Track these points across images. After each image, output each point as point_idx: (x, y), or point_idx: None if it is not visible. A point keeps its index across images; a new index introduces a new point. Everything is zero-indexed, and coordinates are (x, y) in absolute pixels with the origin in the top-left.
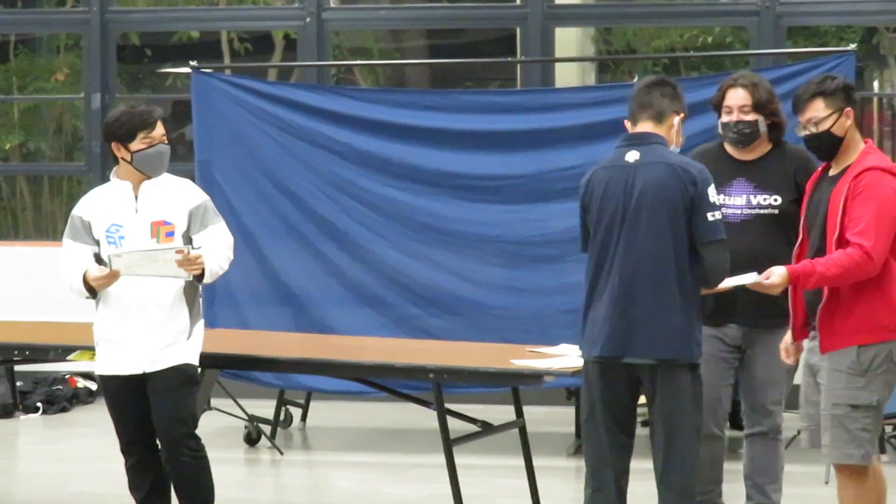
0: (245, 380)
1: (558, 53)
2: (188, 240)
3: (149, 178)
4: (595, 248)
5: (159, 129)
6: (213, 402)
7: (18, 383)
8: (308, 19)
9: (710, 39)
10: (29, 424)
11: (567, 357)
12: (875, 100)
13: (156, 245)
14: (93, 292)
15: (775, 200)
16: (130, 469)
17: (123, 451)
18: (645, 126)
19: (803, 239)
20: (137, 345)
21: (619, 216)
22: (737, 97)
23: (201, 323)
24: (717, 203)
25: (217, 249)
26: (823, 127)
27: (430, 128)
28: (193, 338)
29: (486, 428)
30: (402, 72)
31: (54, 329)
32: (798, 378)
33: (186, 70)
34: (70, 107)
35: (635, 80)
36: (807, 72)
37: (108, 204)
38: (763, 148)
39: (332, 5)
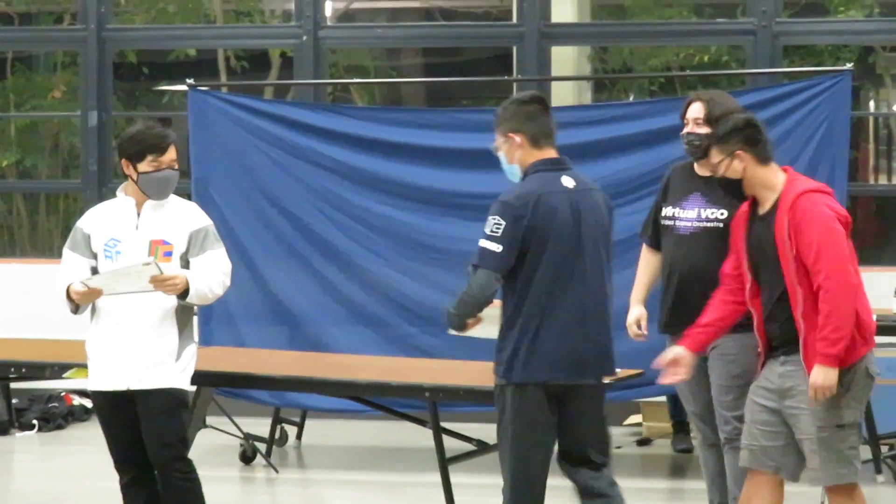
0: (241, 398)
1: (554, 72)
2: (185, 262)
3: (156, 199)
4: (546, 272)
5: (170, 154)
6: (209, 419)
7: (14, 400)
8: (304, 37)
9: (706, 58)
10: (25, 442)
11: None
12: (871, 119)
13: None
14: (76, 306)
15: (721, 214)
16: (124, 487)
17: (117, 468)
18: (552, 151)
19: (752, 284)
20: (123, 361)
21: (572, 243)
22: (693, 110)
23: (193, 347)
24: None
25: (210, 273)
26: (719, 173)
27: (425, 146)
28: (182, 360)
29: (482, 447)
30: (399, 90)
31: (50, 347)
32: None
33: (183, 88)
34: (67, 124)
35: (630, 98)
36: (803, 91)
37: (109, 218)
38: None
39: (328, 24)
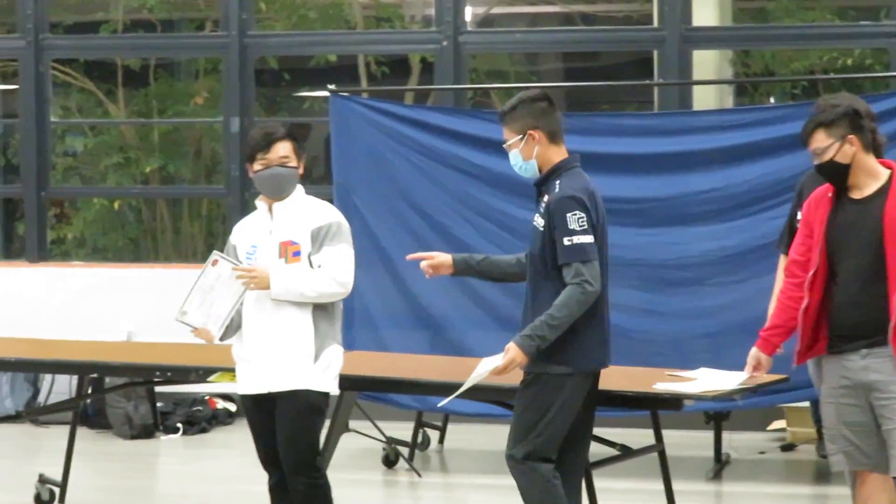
0: (383, 402)
1: (696, 76)
2: (309, 261)
3: (277, 199)
4: (602, 261)
5: (277, 151)
6: (352, 424)
7: (159, 404)
8: (445, 43)
9: (849, 61)
10: (169, 445)
11: (706, 381)
12: None
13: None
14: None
15: None
16: (271, 490)
17: (265, 468)
18: (564, 146)
19: (820, 268)
20: (261, 364)
21: (606, 235)
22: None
23: (334, 348)
24: None
25: (315, 272)
26: (826, 157)
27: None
28: (321, 362)
29: (626, 452)
30: None
31: (195, 350)
32: None
33: (324, 94)
34: (209, 130)
35: (772, 102)
36: None
37: (250, 227)
38: None
39: (468, 29)
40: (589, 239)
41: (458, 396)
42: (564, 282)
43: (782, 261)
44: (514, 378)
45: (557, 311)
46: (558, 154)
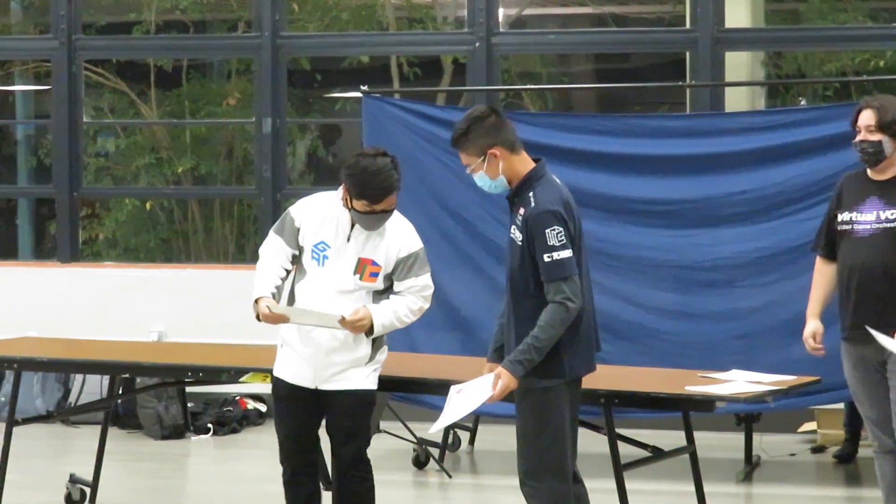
0: (414, 403)
1: (728, 77)
2: (389, 282)
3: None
4: (581, 268)
5: (386, 203)
6: (383, 424)
7: (189, 404)
8: (477, 44)
9: (882, 63)
10: (200, 445)
11: (738, 382)
12: None
13: (333, 301)
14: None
15: None
16: (286, 484)
17: (282, 460)
18: (525, 153)
19: None
20: (316, 361)
21: (581, 239)
22: (864, 117)
23: (385, 349)
24: None
25: (402, 301)
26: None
27: (599, 152)
28: (374, 363)
29: (657, 453)
30: (570, 96)
31: (226, 351)
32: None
33: (357, 95)
34: (241, 131)
35: (804, 103)
36: None
37: (323, 218)
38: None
39: (501, 30)
40: (568, 254)
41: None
42: (546, 298)
43: (819, 262)
44: None
45: (542, 333)
46: (523, 164)
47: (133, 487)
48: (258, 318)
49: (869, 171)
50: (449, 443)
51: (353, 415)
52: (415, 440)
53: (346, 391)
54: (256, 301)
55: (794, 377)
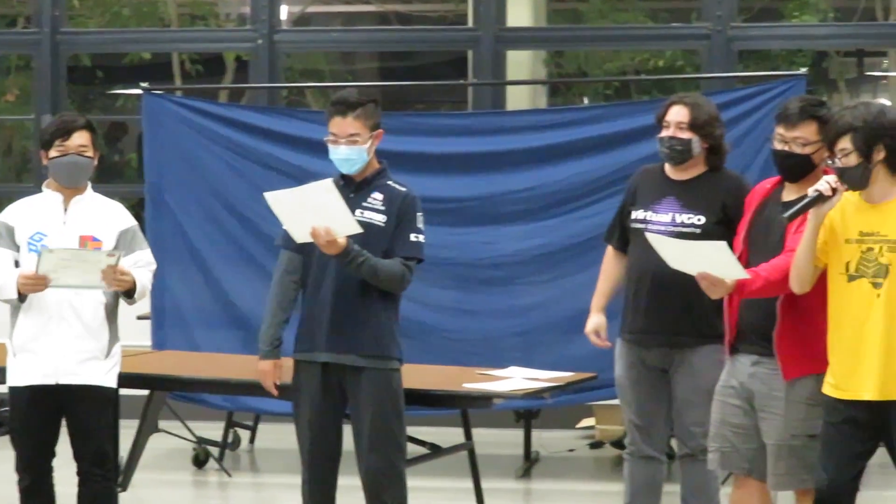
0: (193, 402)
1: (510, 76)
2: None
3: (69, 189)
4: None
5: (76, 140)
6: (162, 424)
7: None
8: (260, 41)
9: (661, 63)
10: None
11: (516, 379)
12: None
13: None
14: (20, 295)
15: (699, 220)
16: (24, 491)
17: (21, 468)
18: None
19: (742, 254)
20: (55, 355)
21: None
22: (676, 113)
23: (119, 346)
24: None
25: (144, 272)
26: (808, 150)
27: (380, 150)
28: (111, 359)
29: (436, 450)
30: None
31: None
32: None
33: (137, 91)
34: (20, 127)
35: (585, 102)
36: (757, 95)
37: (34, 212)
38: (697, 169)
39: (284, 27)
40: (424, 239)
41: None
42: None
43: (610, 255)
44: None
45: (386, 269)
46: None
47: None
48: (20, 296)
49: (668, 168)
50: (229, 441)
51: (93, 413)
52: (194, 439)
53: (86, 387)
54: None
55: (572, 373)
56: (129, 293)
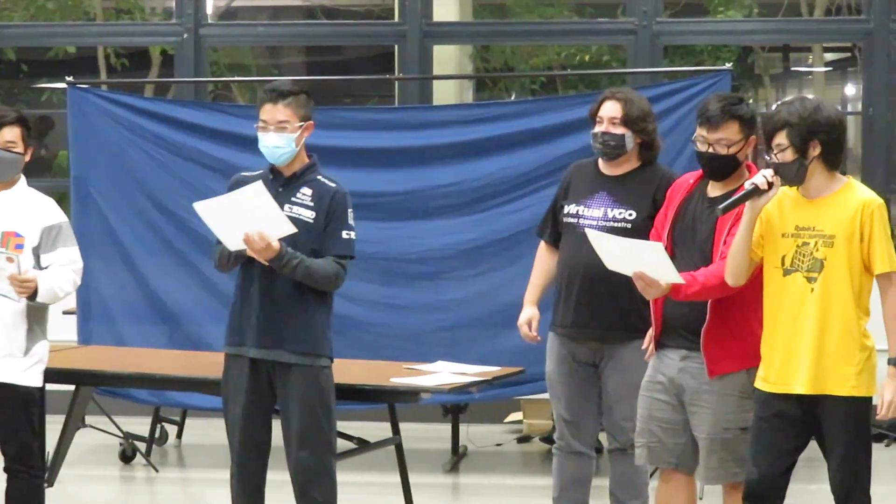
0: (120, 397)
1: (436, 71)
2: (36, 257)
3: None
4: None
5: (5, 135)
6: (88, 419)
7: None
8: (185, 35)
9: (587, 58)
10: None
11: (443, 374)
12: None
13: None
14: None
15: (630, 215)
16: None
17: None
18: None
19: (668, 250)
20: None
21: None
22: (609, 109)
23: (44, 344)
24: None
25: (60, 272)
26: (733, 151)
27: (307, 144)
28: (32, 357)
29: (363, 445)
30: None
31: None
32: None
33: (62, 85)
34: None
35: (512, 97)
36: (682, 90)
37: None
38: (630, 164)
39: (209, 21)
40: (355, 235)
41: None
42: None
43: (543, 249)
44: None
45: (319, 269)
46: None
47: None
48: None
49: (601, 163)
50: (156, 437)
51: (11, 410)
52: (121, 434)
53: (5, 385)
54: None
55: (499, 368)
56: (32, 296)
